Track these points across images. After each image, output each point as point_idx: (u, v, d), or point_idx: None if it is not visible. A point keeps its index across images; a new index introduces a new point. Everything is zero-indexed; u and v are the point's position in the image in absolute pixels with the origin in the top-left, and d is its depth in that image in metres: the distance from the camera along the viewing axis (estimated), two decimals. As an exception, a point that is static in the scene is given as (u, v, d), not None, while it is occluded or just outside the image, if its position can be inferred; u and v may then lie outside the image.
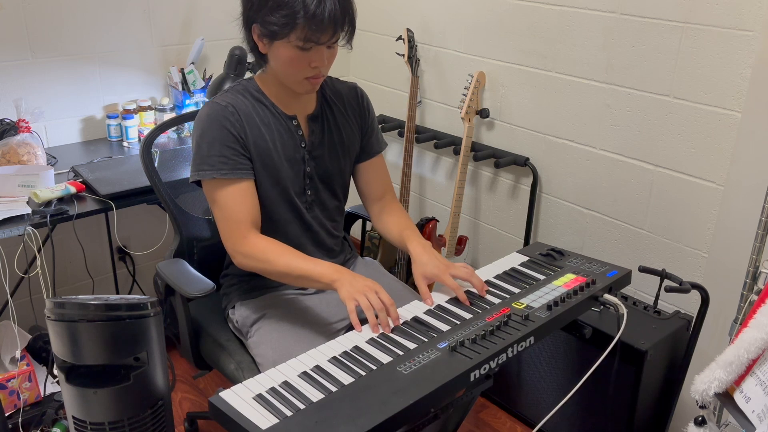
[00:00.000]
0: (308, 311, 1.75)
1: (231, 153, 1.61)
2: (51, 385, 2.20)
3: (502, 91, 2.56)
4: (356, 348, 1.39)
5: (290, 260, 1.61)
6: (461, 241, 2.72)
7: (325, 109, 1.77)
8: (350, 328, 1.66)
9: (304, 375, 1.31)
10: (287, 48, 1.55)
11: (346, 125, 1.80)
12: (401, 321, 1.48)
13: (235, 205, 1.63)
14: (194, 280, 1.73)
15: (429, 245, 1.72)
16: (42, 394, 2.19)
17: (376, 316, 1.47)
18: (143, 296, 1.57)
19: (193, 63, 2.74)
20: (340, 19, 1.53)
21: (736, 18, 1.89)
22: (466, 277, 1.60)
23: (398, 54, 2.74)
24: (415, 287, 1.72)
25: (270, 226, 1.71)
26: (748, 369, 1.36)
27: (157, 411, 1.59)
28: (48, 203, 2.05)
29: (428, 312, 1.52)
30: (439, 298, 1.58)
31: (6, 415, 2.10)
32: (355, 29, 1.60)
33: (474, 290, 1.60)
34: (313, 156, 1.74)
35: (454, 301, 1.57)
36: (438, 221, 2.75)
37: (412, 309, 1.55)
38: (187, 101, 2.71)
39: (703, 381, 1.40)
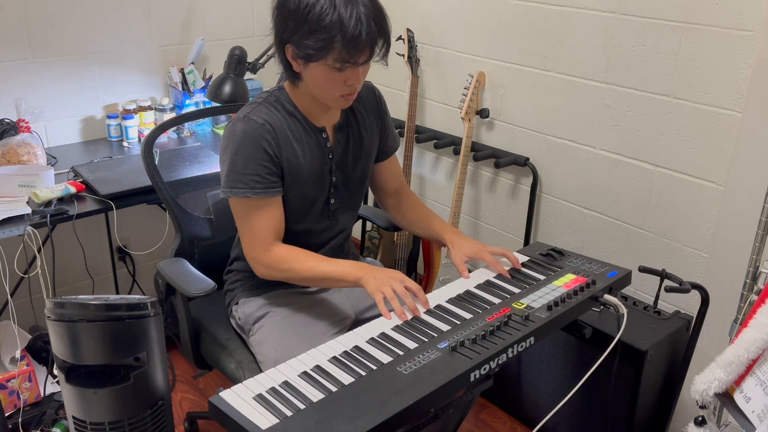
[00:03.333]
0: (311, 310, 1.75)
1: (265, 172, 1.60)
2: (51, 385, 2.20)
3: (502, 91, 2.56)
4: (356, 348, 1.39)
5: (313, 265, 1.63)
6: (461, 241, 2.72)
7: (349, 118, 1.76)
8: (353, 327, 1.67)
9: (305, 375, 1.31)
10: (323, 69, 1.53)
11: (368, 130, 1.80)
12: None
13: (263, 221, 1.63)
14: (195, 280, 1.73)
15: (460, 232, 1.84)
16: (42, 394, 2.19)
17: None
18: (143, 296, 1.57)
19: (193, 63, 2.75)
20: (376, 39, 1.51)
21: (736, 18, 1.89)
22: (502, 252, 1.73)
23: (398, 54, 2.74)
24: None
25: (290, 235, 1.71)
26: (748, 369, 1.36)
27: (157, 411, 1.60)
28: (48, 203, 2.05)
29: (428, 312, 1.52)
30: (439, 298, 1.58)
31: (6, 415, 2.10)
32: (390, 46, 1.57)
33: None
34: (339, 166, 1.74)
35: (455, 300, 1.57)
36: (438, 221, 2.75)
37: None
38: (187, 101, 2.71)
39: (703, 381, 1.40)
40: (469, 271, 1.70)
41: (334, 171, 1.73)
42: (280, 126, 1.63)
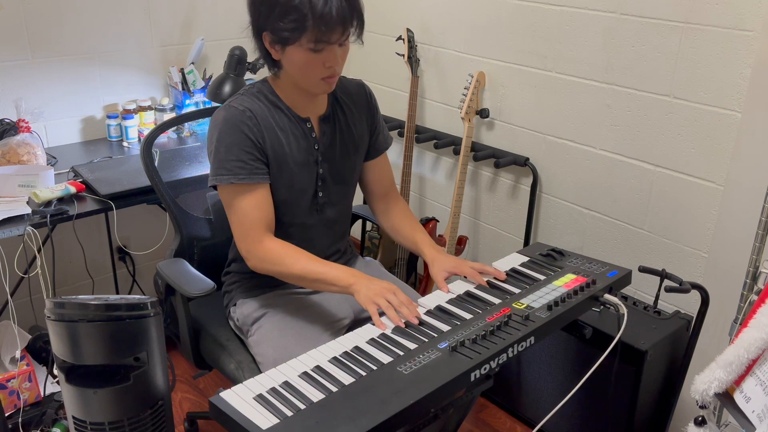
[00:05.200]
0: (310, 310, 1.75)
1: (248, 158, 1.61)
2: (51, 385, 2.20)
3: (502, 91, 2.56)
4: (356, 348, 1.39)
5: (306, 264, 1.62)
6: (461, 242, 2.72)
7: (336, 110, 1.77)
8: (352, 327, 1.67)
9: (305, 375, 1.31)
10: (300, 52, 1.54)
11: (357, 124, 1.80)
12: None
13: (251, 209, 1.63)
14: (195, 280, 1.73)
15: (441, 249, 1.78)
16: (42, 394, 2.19)
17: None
18: (143, 296, 1.57)
19: (193, 63, 2.75)
20: (348, 16, 1.53)
21: (736, 18, 1.89)
22: (481, 268, 1.68)
23: (398, 54, 2.74)
24: (414, 287, 1.72)
25: (281, 229, 1.71)
26: (748, 369, 1.36)
27: (157, 411, 1.60)
28: (48, 203, 2.05)
29: (428, 312, 1.52)
30: (439, 298, 1.58)
31: (6, 415, 2.10)
32: (364, 24, 1.59)
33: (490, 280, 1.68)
34: (326, 158, 1.74)
35: (455, 301, 1.57)
36: (438, 221, 2.75)
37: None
38: (187, 101, 2.71)
39: (703, 381, 1.40)
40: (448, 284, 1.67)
41: (320, 162, 1.73)
42: (262, 114, 1.64)
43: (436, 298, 1.58)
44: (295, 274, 1.63)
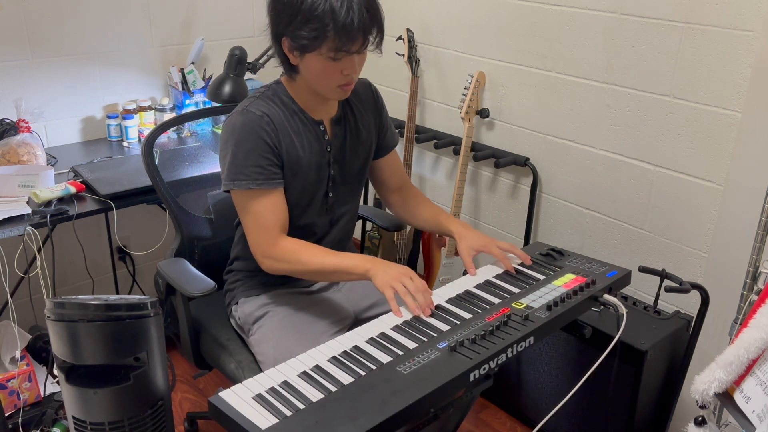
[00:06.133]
0: (311, 309, 1.75)
1: (266, 163, 1.61)
2: (51, 385, 2.20)
3: (502, 91, 2.56)
4: (356, 348, 1.39)
5: (322, 258, 1.63)
6: (461, 241, 2.72)
7: (346, 111, 1.77)
8: (352, 326, 1.67)
9: (304, 375, 1.31)
10: (318, 60, 1.54)
11: (366, 125, 1.81)
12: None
13: (267, 213, 1.64)
14: (195, 280, 1.73)
15: (468, 225, 1.82)
16: (42, 394, 2.19)
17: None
18: (143, 296, 1.57)
19: (193, 63, 2.75)
20: (369, 27, 1.53)
21: (736, 18, 1.89)
22: (510, 248, 1.72)
23: (398, 54, 2.74)
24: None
25: (290, 228, 1.71)
26: (748, 369, 1.36)
27: (157, 411, 1.60)
28: (48, 203, 2.05)
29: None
30: (439, 298, 1.58)
31: (6, 415, 2.10)
32: (383, 34, 1.59)
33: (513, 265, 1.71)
34: (337, 159, 1.75)
35: (455, 300, 1.57)
36: (438, 221, 2.74)
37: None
38: (187, 101, 2.71)
39: (703, 381, 1.40)
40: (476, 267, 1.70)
41: (332, 164, 1.74)
42: (278, 118, 1.64)
43: (436, 298, 1.58)
44: (312, 269, 1.64)
